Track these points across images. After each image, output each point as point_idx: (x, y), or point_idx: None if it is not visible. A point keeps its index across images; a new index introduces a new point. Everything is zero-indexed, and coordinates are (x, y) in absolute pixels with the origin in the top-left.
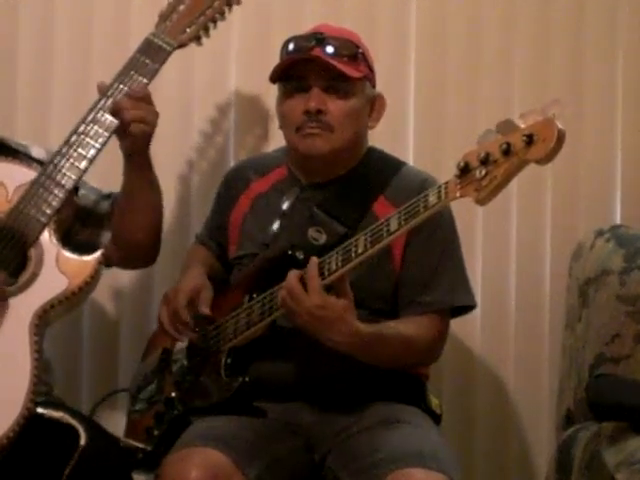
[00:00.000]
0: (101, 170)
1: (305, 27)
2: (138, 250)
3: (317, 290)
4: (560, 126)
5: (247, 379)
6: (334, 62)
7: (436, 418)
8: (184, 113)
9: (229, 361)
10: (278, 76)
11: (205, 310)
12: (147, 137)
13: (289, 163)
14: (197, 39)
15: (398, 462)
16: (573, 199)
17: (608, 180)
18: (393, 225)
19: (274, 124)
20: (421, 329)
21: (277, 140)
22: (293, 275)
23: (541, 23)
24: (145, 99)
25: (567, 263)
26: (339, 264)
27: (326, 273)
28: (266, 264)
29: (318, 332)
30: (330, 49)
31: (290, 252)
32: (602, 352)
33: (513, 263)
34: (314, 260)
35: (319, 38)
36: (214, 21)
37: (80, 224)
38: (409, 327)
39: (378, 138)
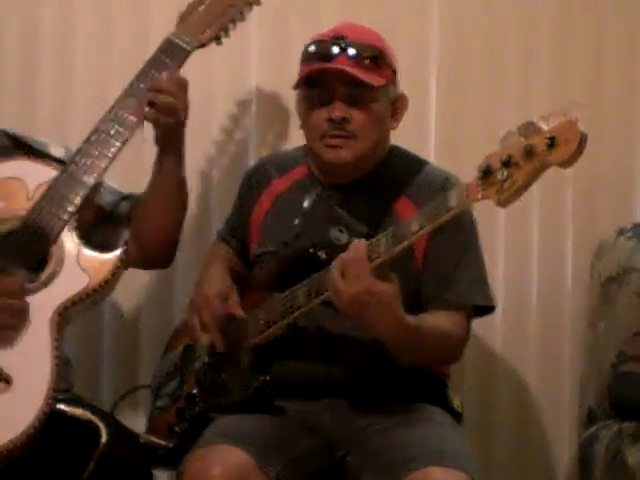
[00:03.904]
0: (121, 171)
1: (325, 24)
2: (157, 250)
3: (367, 274)
4: (582, 129)
5: (268, 378)
6: (356, 71)
7: (457, 417)
8: (205, 109)
9: (251, 359)
10: (301, 84)
11: (238, 312)
12: (174, 127)
13: (310, 163)
14: (217, 39)
15: (419, 461)
16: (594, 198)
17: (629, 178)
18: (414, 226)
19: (294, 121)
20: (453, 325)
21: (297, 137)
22: (347, 256)
23: (562, 23)
24: (180, 85)
25: (589, 261)
26: (389, 247)
27: (374, 256)
28: (287, 263)
29: (363, 318)
30: (352, 55)
31: (312, 251)
32: (624, 350)
33: (534, 262)
34: (362, 243)
35: (340, 43)
36: (233, 21)
37: (100, 224)
38: (444, 322)
39: (399, 136)
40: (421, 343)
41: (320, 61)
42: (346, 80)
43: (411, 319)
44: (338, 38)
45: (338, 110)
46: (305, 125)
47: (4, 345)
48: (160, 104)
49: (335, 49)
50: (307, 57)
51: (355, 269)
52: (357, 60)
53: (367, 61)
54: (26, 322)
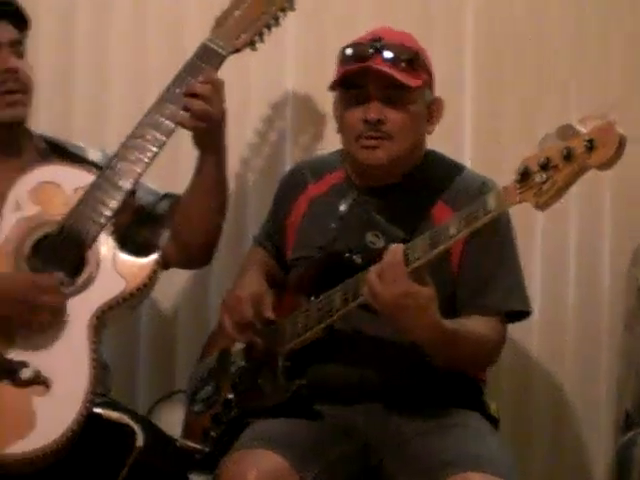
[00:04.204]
0: (159, 172)
1: (360, 27)
2: (197, 250)
3: (404, 277)
4: (621, 131)
5: (304, 382)
6: (393, 72)
7: (494, 422)
8: (240, 112)
9: (286, 364)
10: (337, 85)
11: (269, 314)
12: (209, 130)
13: (346, 167)
14: (252, 44)
15: (456, 466)
16: (632, 200)
17: None
18: (452, 230)
19: (329, 124)
20: (489, 330)
21: (332, 140)
22: (384, 260)
23: (601, 25)
24: (215, 88)
25: (626, 264)
26: (426, 251)
27: (411, 259)
28: (323, 267)
29: (400, 321)
30: (389, 56)
31: (348, 255)
32: None
33: (572, 265)
34: (400, 247)
35: (377, 45)
36: (268, 27)
37: (138, 225)
38: (480, 326)
39: (435, 141)
40: (457, 347)
41: (356, 62)
42: (382, 81)
43: (448, 323)
44: (375, 40)
45: (373, 110)
46: (341, 127)
47: (43, 349)
48: (194, 109)
49: (372, 51)
50: (343, 59)
51: (392, 273)
52: (394, 62)
53: (404, 63)
54: (63, 319)
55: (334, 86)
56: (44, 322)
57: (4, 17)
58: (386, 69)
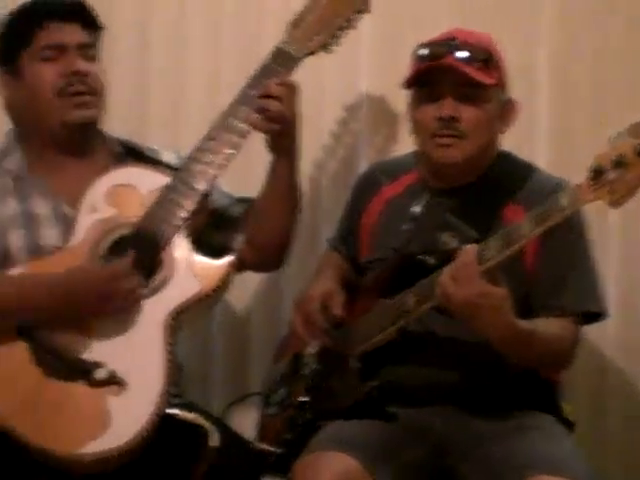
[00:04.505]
0: (233, 175)
1: (435, 28)
2: (270, 253)
3: (477, 277)
4: None
5: (378, 384)
6: (467, 69)
7: (569, 425)
8: (315, 115)
9: (360, 366)
10: (411, 82)
11: (338, 311)
12: (283, 133)
13: (420, 168)
14: (326, 47)
15: (531, 469)
16: None
17: None
18: (525, 229)
19: (404, 126)
20: (564, 330)
21: (406, 142)
22: (459, 261)
23: None
24: (290, 91)
25: None
26: (499, 250)
27: (484, 259)
28: (396, 269)
29: (474, 321)
30: (463, 55)
31: (421, 257)
32: None
33: None
34: (473, 247)
35: (451, 44)
36: (342, 29)
37: (213, 228)
38: (555, 327)
39: (508, 141)
40: (531, 347)
41: (431, 61)
42: (456, 78)
43: (522, 323)
44: (449, 39)
45: (447, 107)
46: (415, 126)
47: (118, 349)
48: (268, 111)
49: (446, 49)
50: (418, 58)
51: (465, 273)
52: (468, 61)
53: (478, 63)
54: (139, 327)
55: (408, 84)
56: (121, 309)
57: (73, 20)
58: (460, 66)
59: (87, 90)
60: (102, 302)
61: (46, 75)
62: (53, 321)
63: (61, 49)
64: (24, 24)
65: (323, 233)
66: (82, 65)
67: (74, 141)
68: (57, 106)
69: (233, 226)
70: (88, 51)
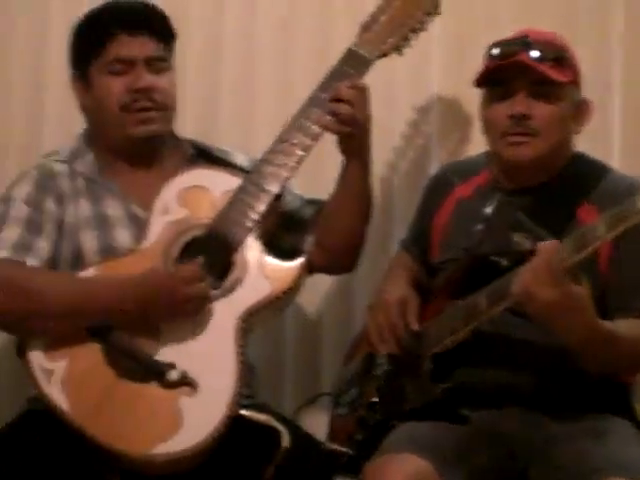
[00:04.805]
0: (305, 177)
1: (506, 29)
2: (341, 256)
3: (561, 277)
4: None
5: (449, 385)
6: (540, 67)
7: None
8: (386, 116)
9: (432, 367)
10: (483, 81)
11: (415, 325)
12: (354, 136)
13: (492, 168)
14: (398, 49)
15: (604, 472)
16: None
17: None
18: (600, 230)
19: (475, 127)
20: None
21: (478, 143)
22: (540, 260)
23: None
24: (361, 94)
25: None
26: (575, 251)
27: (562, 259)
28: (469, 270)
29: (556, 323)
30: (535, 53)
31: (494, 257)
32: None
33: None
34: (554, 244)
35: (524, 42)
36: (414, 31)
37: (284, 229)
38: (634, 328)
39: (582, 142)
40: (613, 348)
41: (503, 59)
42: (529, 76)
43: (605, 324)
44: (522, 38)
45: (519, 104)
46: (486, 125)
47: (190, 351)
48: (339, 114)
49: (519, 48)
50: (490, 57)
51: (548, 272)
52: (541, 59)
53: (551, 61)
54: (210, 328)
55: (479, 82)
56: (192, 313)
57: (144, 31)
58: (533, 64)
59: (153, 106)
60: (172, 306)
61: (113, 89)
62: (123, 323)
63: (129, 63)
64: (95, 33)
65: (395, 235)
66: (149, 80)
67: (141, 152)
68: (122, 120)
69: (304, 228)
70: (158, 64)
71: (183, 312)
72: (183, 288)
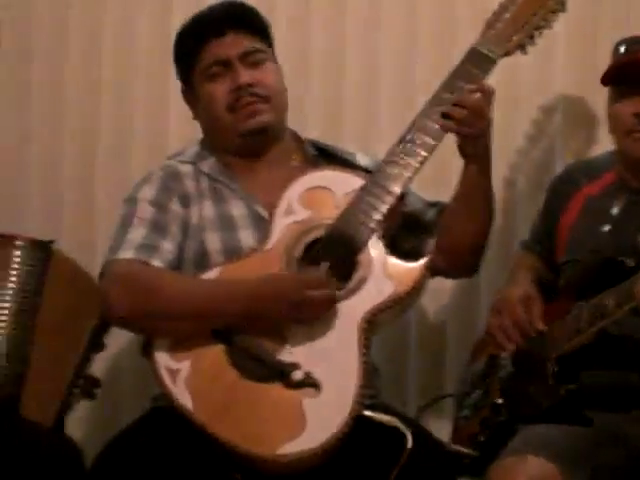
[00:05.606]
0: (427, 178)
1: (633, 26)
2: (463, 259)
3: None
4: None
5: (575, 387)
6: None
7: None
8: (510, 116)
9: (556, 369)
10: (609, 79)
11: (540, 326)
12: (474, 137)
13: (618, 167)
14: (522, 47)
15: None
16: None
17: None
18: None
19: (601, 127)
20: None
21: (604, 144)
22: None
23: None
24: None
25: None
26: None
27: None
28: (595, 270)
29: None
30: None
31: (620, 258)
32: None
33: None
34: None
35: None
36: (539, 29)
37: (406, 231)
38: None
39: None
40: None
41: (628, 57)
42: None
43: None
44: None
45: None
46: (611, 124)
47: (314, 351)
48: (459, 116)
49: None
50: (616, 55)
51: None
52: None
53: None
54: (335, 328)
55: (604, 81)
56: (317, 317)
57: (230, 30)
58: None
59: (256, 99)
60: (294, 311)
61: (215, 93)
62: (246, 327)
63: (225, 64)
64: (187, 46)
65: (519, 236)
66: (246, 76)
67: (257, 146)
68: (232, 121)
69: (426, 230)
70: (252, 57)
71: (308, 316)
72: (306, 292)
